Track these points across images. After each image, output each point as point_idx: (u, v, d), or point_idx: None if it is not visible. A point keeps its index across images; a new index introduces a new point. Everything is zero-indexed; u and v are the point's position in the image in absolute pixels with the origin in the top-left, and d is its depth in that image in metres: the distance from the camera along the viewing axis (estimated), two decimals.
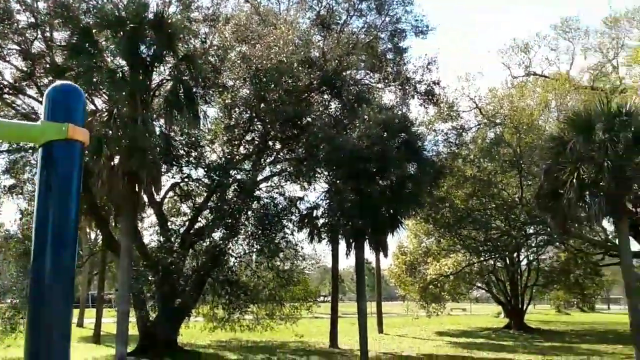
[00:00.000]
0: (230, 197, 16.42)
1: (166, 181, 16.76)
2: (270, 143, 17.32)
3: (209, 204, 17.15)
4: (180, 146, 16.43)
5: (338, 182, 15.97)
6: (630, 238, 17.87)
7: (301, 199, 18.07)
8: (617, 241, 15.16)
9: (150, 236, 20.00)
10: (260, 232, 16.35)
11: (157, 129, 14.40)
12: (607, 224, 19.44)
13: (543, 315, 39.28)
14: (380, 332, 24.81)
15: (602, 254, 26.36)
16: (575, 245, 25.26)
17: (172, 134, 15.78)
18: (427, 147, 19.91)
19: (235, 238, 16.97)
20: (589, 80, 25.21)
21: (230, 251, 17.54)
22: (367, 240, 16.14)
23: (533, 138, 19.95)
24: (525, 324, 27.47)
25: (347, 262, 64.74)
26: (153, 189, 14.35)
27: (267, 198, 17.30)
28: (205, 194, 17.63)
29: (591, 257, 27.22)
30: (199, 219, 17.65)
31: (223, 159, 17.08)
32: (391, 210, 15.90)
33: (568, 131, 13.03)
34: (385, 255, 17.10)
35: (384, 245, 16.08)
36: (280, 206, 16.75)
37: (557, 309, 42.92)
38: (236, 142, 17.25)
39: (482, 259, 25.94)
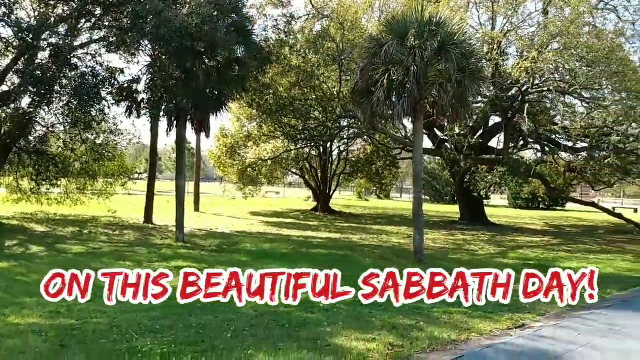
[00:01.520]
0: (43, 61, 15.07)
1: None
2: (91, 7, 15.90)
3: (16, 67, 15.57)
4: None
5: (163, 57, 15.53)
6: (425, 137, 20.40)
7: (122, 71, 17.28)
8: (413, 138, 17.13)
9: None
10: (76, 102, 15.41)
11: None
12: (408, 123, 21.82)
13: (346, 200, 43.37)
14: (197, 211, 25.57)
15: (400, 149, 29.62)
16: (380, 140, 27.95)
17: None
18: (256, 31, 20.00)
19: (48, 107, 15.84)
20: None
21: (40, 120, 16.40)
22: (189, 119, 16.24)
23: (355, 36, 20.98)
24: (331, 207, 30.30)
25: (166, 140, 63.56)
26: None
27: (85, 67, 16.19)
28: (12, 55, 15.91)
29: (391, 151, 30.45)
30: (5, 82, 16.02)
31: (35, 19, 15.39)
32: (216, 92, 16.06)
33: (386, 34, 14.02)
34: (208, 136, 17.39)
35: (206, 126, 16.34)
36: (100, 77, 15.81)
37: (359, 195, 47.55)
38: (52, 2, 15.56)
39: (299, 146, 27.48)
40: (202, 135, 18.12)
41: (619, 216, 26.73)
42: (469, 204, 27.12)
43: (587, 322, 7.48)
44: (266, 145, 25.83)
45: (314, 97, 23.56)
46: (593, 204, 29.10)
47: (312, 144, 27.86)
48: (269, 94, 22.50)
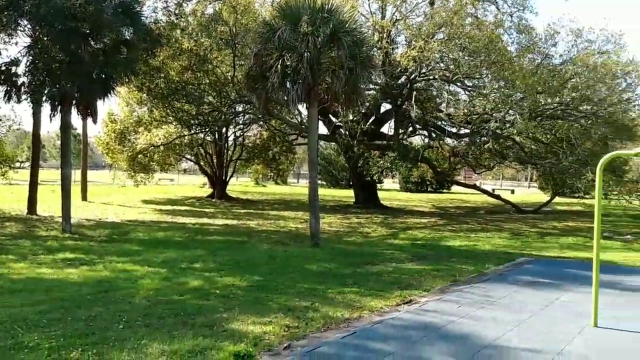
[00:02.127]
0: None
1: None
2: None
3: None
4: None
5: (45, 39, 14.52)
6: (319, 122, 20.75)
7: None
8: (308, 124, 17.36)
9: None
10: None
11: None
12: (303, 109, 22.08)
13: (243, 186, 43.15)
14: (85, 200, 24.33)
15: (296, 135, 29.92)
16: (276, 125, 28.04)
17: None
18: (145, 13, 19.21)
19: None
20: None
21: None
22: (75, 104, 15.35)
23: (249, 20, 20.80)
24: (227, 194, 30.03)
25: (50, 127, 59.56)
26: None
27: None
28: None
29: (287, 137, 30.67)
30: None
31: None
32: (103, 76, 15.30)
33: (279, 19, 14.04)
34: (95, 122, 16.52)
35: (93, 111, 15.52)
36: None
37: (256, 181, 47.48)
38: None
39: (192, 132, 26.88)
40: (89, 120, 17.18)
41: (498, 197, 28.86)
42: (363, 188, 27.99)
43: (467, 295, 8.07)
44: (158, 130, 24.98)
45: (207, 81, 23.12)
46: (475, 187, 31.17)
47: (207, 130, 27.37)
48: (159, 77, 21.76)
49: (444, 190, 46.02)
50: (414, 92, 21.26)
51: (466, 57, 20.24)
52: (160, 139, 24.99)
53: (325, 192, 37.17)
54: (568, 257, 12.77)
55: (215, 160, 30.43)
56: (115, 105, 27.61)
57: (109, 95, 15.99)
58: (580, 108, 21.60)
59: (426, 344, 5.63)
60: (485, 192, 29.88)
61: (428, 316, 6.76)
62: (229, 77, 22.56)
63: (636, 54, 41.19)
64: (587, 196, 26.31)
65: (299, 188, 45.46)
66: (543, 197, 33.06)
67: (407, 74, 21.68)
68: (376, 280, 8.99)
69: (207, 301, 7.23)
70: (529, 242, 15.41)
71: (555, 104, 21.40)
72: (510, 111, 20.18)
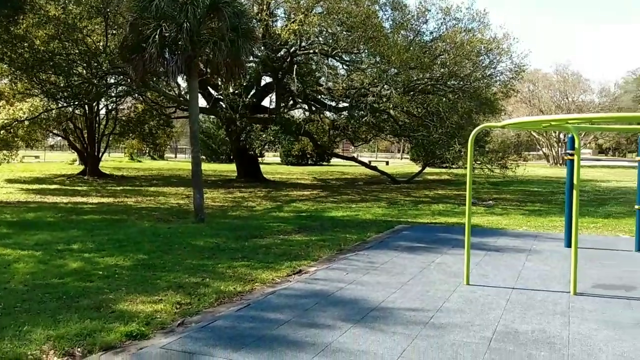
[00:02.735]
0: None
1: None
2: None
3: None
4: None
5: None
6: (199, 95, 20.26)
7: None
8: (188, 96, 16.93)
9: None
10: None
11: None
12: (182, 81, 21.42)
13: (117, 162, 41.15)
14: None
15: (174, 108, 28.98)
16: (152, 98, 26.95)
17: None
18: None
19: None
20: None
21: None
22: None
23: None
24: (100, 170, 28.48)
25: None
26: None
27: None
28: None
29: (165, 110, 29.61)
30: None
31: None
32: None
33: None
34: None
35: None
36: None
37: (131, 156, 45.48)
38: None
39: (60, 105, 25.06)
40: None
41: (374, 168, 30.13)
42: (245, 162, 27.90)
43: (353, 262, 8.45)
44: (22, 104, 23.00)
45: (77, 51, 21.57)
46: (353, 159, 32.26)
47: (77, 103, 25.63)
48: (23, 47, 19.96)
49: (324, 163, 47.18)
50: (295, 66, 21.42)
51: (344, 32, 20.71)
52: (24, 113, 23.03)
53: (206, 167, 36.52)
54: (439, 222, 13.75)
55: (86, 135, 28.64)
56: None
57: None
58: (449, 83, 23.06)
59: (318, 310, 5.86)
60: (363, 164, 31.04)
61: (318, 284, 7.01)
62: (101, 47, 21.24)
63: (497, 32, 44.50)
64: (454, 166, 28.25)
65: (177, 163, 44.27)
66: (415, 167, 35.07)
67: (288, 47, 21.76)
68: (265, 252, 9.11)
69: (90, 283, 6.92)
70: (405, 210, 16.35)
71: (427, 79, 22.63)
72: (386, 86, 21.04)
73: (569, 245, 9.27)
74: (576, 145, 7.03)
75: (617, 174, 35.57)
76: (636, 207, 9.82)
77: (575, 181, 6.86)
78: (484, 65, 23.72)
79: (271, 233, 11.36)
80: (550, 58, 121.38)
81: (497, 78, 25.13)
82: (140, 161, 44.84)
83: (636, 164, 11.02)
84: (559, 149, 58.07)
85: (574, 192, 6.82)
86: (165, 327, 5.35)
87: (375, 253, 9.23)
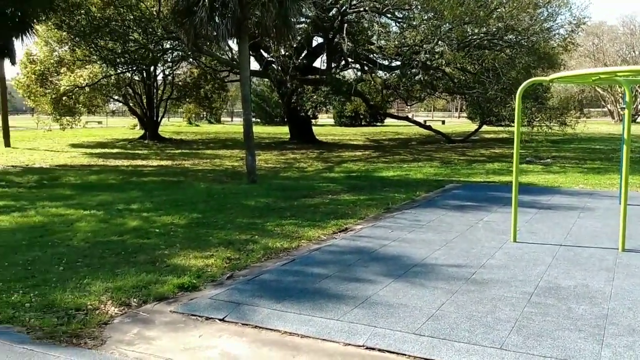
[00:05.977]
0: None
1: None
2: None
3: None
4: None
5: None
6: (251, 57, 20.42)
7: None
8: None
9: None
10: None
11: None
12: (233, 44, 21.58)
13: (176, 127, 42.25)
14: (8, 146, 23.24)
15: (228, 71, 29.30)
16: (206, 62, 27.33)
17: None
18: None
19: None
20: None
21: None
22: None
23: None
24: (160, 134, 29.39)
25: None
26: None
27: None
28: None
29: (219, 74, 29.99)
30: None
31: None
32: (19, 13, 14.38)
33: None
34: (13, 63, 15.67)
35: (10, 51, 14.68)
36: None
37: (188, 121, 46.51)
38: None
39: (119, 71, 25.83)
40: (7, 62, 16.22)
41: (429, 128, 29.70)
42: (298, 124, 28.08)
43: (399, 220, 8.52)
44: (82, 70, 23.83)
45: (132, 17, 22.06)
46: (407, 118, 31.89)
47: (134, 68, 26.36)
48: (80, 14, 20.60)
49: (378, 124, 46.78)
50: (345, 25, 21.18)
51: None
52: (85, 80, 23.86)
53: (260, 130, 37.04)
54: (493, 181, 13.54)
55: (145, 101, 29.48)
56: (33, 44, 25.98)
57: (27, 34, 15.13)
58: (505, 38, 22.23)
59: (361, 266, 6.00)
60: (417, 123, 30.65)
61: (363, 241, 7.14)
62: (155, 13, 21.62)
63: None
64: (512, 124, 27.44)
65: (233, 126, 44.98)
66: (472, 126, 34.29)
67: (338, 5, 21.49)
68: (313, 212, 9.29)
69: (147, 240, 7.30)
70: (458, 170, 16.16)
71: (482, 34, 21.90)
72: (439, 42, 20.52)
73: None
74: (627, 99, 6.75)
75: None
76: None
77: (625, 136, 6.61)
78: (542, 17, 22.68)
79: (320, 193, 11.54)
80: (615, 10, 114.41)
81: (557, 31, 24.03)
82: (198, 125, 45.82)
83: None
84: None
85: (624, 147, 6.59)
86: (215, 280, 5.63)
87: (422, 211, 9.26)
